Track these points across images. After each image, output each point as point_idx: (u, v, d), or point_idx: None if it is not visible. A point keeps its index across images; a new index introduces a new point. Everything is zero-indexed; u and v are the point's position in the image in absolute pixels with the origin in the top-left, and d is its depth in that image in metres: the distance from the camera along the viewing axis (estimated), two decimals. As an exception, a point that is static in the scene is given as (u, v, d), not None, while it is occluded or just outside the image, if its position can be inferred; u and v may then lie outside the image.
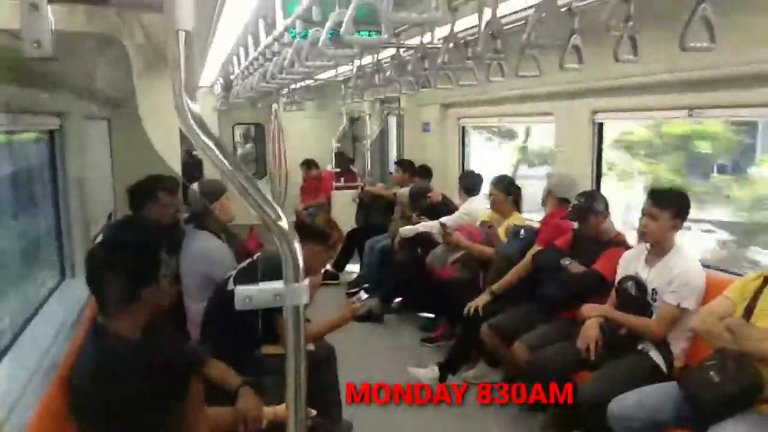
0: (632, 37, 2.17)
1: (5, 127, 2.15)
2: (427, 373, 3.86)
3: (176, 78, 0.88)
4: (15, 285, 2.38)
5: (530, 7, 2.35)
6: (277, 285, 0.93)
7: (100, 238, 3.05)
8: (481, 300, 3.75)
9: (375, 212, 6.28)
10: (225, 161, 0.91)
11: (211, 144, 0.90)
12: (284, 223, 0.94)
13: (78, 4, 1.60)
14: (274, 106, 4.36)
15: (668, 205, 2.77)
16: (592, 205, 3.27)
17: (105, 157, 3.98)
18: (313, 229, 2.84)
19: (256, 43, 3.18)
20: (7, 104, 2.01)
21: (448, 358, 3.91)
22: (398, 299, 5.36)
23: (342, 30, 1.65)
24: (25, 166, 2.67)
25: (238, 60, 3.93)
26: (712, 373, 2.28)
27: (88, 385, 1.72)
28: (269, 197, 0.94)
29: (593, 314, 2.93)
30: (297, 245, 0.95)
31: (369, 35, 2.64)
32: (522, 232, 3.90)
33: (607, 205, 3.32)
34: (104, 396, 1.62)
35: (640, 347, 2.83)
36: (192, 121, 0.89)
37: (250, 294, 0.93)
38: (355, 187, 7.05)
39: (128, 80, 3.37)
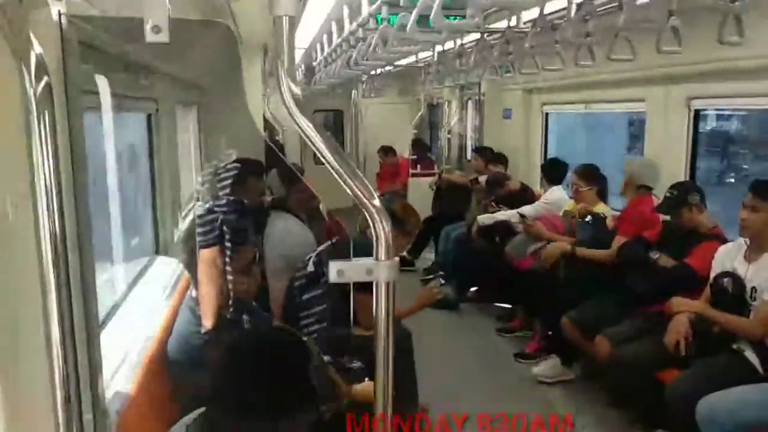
0: (738, 17, 2.03)
1: (109, 111, 2.29)
2: (547, 368, 3.78)
3: (280, 62, 0.91)
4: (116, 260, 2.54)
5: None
6: (369, 261, 0.95)
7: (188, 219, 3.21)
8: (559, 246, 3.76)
9: (451, 200, 6.24)
10: (323, 143, 0.93)
11: (310, 125, 0.93)
12: (377, 202, 0.96)
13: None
14: (354, 92, 4.40)
15: None
16: (686, 197, 3.11)
17: (193, 140, 4.17)
18: (390, 215, 2.86)
19: (340, 29, 3.22)
20: (112, 89, 2.14)
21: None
22: (474, 288, 5.32)
23: (432, 15, 1.64)
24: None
25: (321, 47, 4.00)
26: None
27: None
28: (366, 181, 0.96)
29: (683, 308, 2.79)
30: (388, 224, 0.97)
31: (453, 20, 2.62)
32: (589, 218, 3.77)
33: (703, 197, 3.14)
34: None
35: (734, 346, 2.68)
36: (294, 104, 0.92)
37: (342, 268, 0.95)
38: (432, 175, 7.03)
39: (219, 66, 3.50)
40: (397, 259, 0.98)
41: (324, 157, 0.94)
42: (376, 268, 0.95)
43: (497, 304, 4.98)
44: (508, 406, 3.44)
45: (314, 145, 0.94)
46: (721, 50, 2.23)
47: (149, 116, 2.94)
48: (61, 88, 0.90)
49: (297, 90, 0.91)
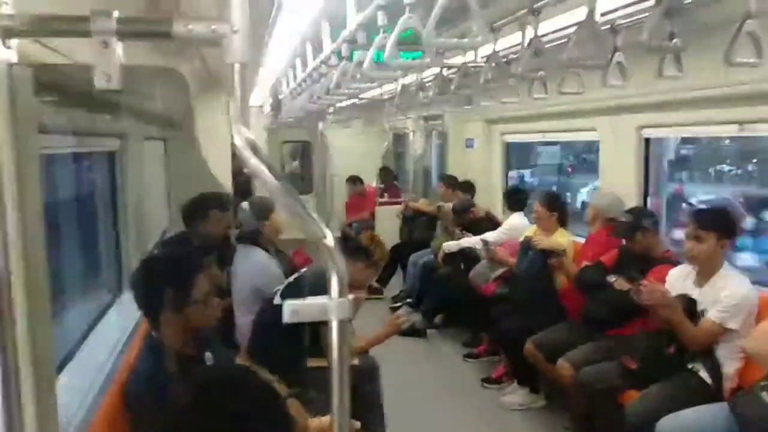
0: (677, 54, 2.17)
1: (71, 148, 2.30)
2: (516, 397, 3.83)
3: (232, 106, 0.95)
4: (76, 299, 2.51)
5: (573, 25, 2.37)
6: (323, 299, 0.98)
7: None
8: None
9: (418, 228, 6.32)
10: (275, 182, 0.97)
11: (262, 167, 0.97)
12: (329, 240, 1.00)
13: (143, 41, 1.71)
14: (321, 124, 4.46)
15: (713, 226, 2.71)
16: (640, 222, 3.22)
17: (160, 175, 4.16)
18: (357, 246, 2.92)
19: (304, 65, 3.29)
20: (73, 127, 2.15)
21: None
22: (441, 314, 5.37)
23: (386, 54, 1.71)
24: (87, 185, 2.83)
25: (287, 81, 4.07)
26: (764, 393, 2.22)
27: (142, 397, 1.81)
28: (315, 215, 1.00)
29: (656, 294, 2.76)
30: (342, 261, 1.01)
31: (414, 56, 2.71)
32: (530, 252, 3.83)
33: (656, 222, 3.26)
34: (156, 409, 1.69)
35: (690, 366, 2.77)
36: (245, 146, 0.96)
37: (297, 308, 0.98)
38: (399, 203, 7.11)
39: (184, 104, 3.53)
40: (352, 296, 1.02)
41: (278, 201, 0.98)
42: (330, 307, 0.99)
43: (464, 330, 5.02)
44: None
45: (268, 188, 0.97)
46: (666, 81, 2.36)
47: (112, 153, 2.95)
48: (7, 133, 0.92)
49: (249, 134, 0.95)
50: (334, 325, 0.99)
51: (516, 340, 3.68)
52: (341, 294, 1.00)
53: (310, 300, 0.99)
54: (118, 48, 1.07)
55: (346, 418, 1.04)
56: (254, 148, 0.98)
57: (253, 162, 0.97)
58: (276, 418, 1.24)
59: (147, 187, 3.47)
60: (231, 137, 0.95)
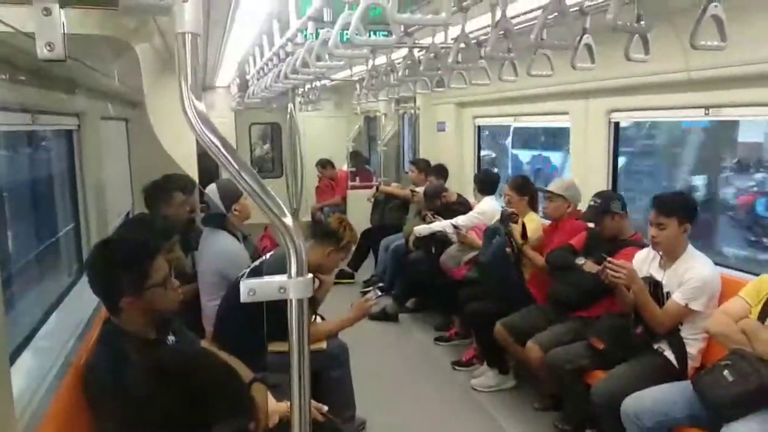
0: (643, 36, 2.16)
1: (25, 126, 2.20)
2: (486, 379, 3.84)
3: (182, 78, 0.90)
4: (33, 283, 2.43)
5: (540, 7, 2.35)
6: (282, 278, 0.95)
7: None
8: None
9: (390, 212, 6.28)
10: (230, 159, 0.93)
11: (216, 142, 0.92)
12: (288, 220, 0.96)
13: (91, 10, 1.64)
14: (290, 105, 4.38)
15: (673, 211, 2.75)
16: (608, 205, 3.25)
17: (123, 156, 4.05)
18: (326, 230, 2.88)
19: (271, 43, 3.21)
20: (26, 104, 2.06)
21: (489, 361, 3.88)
22: (413, 299, 5.37)
23: (350, 31, 1.66)
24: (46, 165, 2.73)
25: (254, 60, 3.97)
26: (726, 372, 2.26)
27: (101, 381, 1.76)
28: (277, 198, 0.96)
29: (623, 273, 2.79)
30: (301, 240, 0.97)
31: (384, 35, 2.66)
32: (497, 238, 3.79)
33: (624, 205, 3.29)
34: (116, 393, 1.64)
35: (655, 347, 2.81)
36: (198, 120, 0.91)
37: (254, 287, 0.95)
38: (371, 187, 7.06)
39: (148, 79, 3.42)
40: (310, 276, 0.99)
41: (233, 175, 0.94)
42: (288, 286, 0.95)
43: (436, 314, 5.04)
44: (446, 415, 3.50)
45: (222, 162, 0.93)
46: (634, 66, 2.36)
47: (70, 132, 2.84)
48: None
49: (201, 106, 0.91)
50: (293, 304, 0.96)
51: (485, 322, 3.70)
52: (299, 273, 0.97)
53: (268, 279, 0.96)
54: (61, 16, 1.02)
55: (306, 399, 1.02)
56: (207, 124, 0.93)
57: (206, 137, 0.92)
58: (236, 400, 1.20)
59: (108, 169, 3.36)
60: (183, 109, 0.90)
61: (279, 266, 0.98)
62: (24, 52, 1.52)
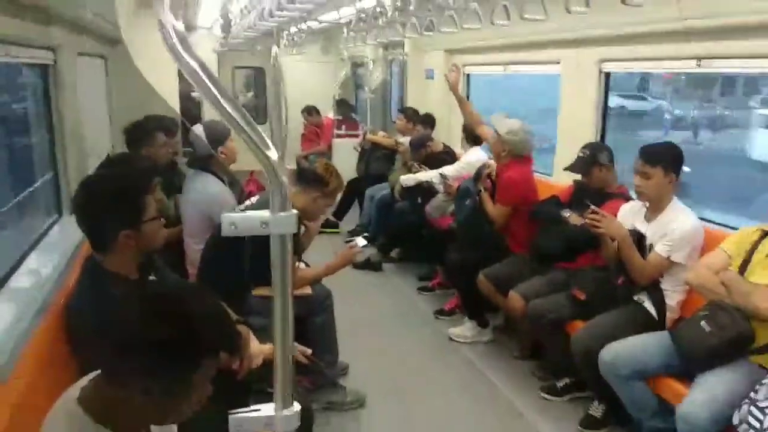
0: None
1: (-2, 58, 2.10)
2: (464, 330, 3.85)
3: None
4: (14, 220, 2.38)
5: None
6: (264, 213, 0.91)
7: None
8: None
9: (376, 161, 6.21)
10: (210, 85, 0.87)
11: (195, 66, 0.86)
12: (272, 153, 0.92)
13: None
14: (274, 48, 4.24)
15: (659, 161, 2.72)
16: (596, 157, 3.22)
17: (101, 96, 3.92)
18: (311, 175, 2.82)
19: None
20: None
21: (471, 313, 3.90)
22: (397, 248, 5.38)
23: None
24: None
25: (238, -1, 3.82)
26: (703, 323, 2.30)
27: (83, 318, 1.74)
28: (260, 130, 0.91)
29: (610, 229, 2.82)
30: (285, 175, 0.93)
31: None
32: (468, 200, 3.73)
33: (611, 158, 3.27)
34: (98, 331, 1.62)
35: (635, 298, 2.84)
36: (178, 43, 0.84)
37: (235, 220, 0.91)
38: (356, 136, 6.97)
39: (127, 15, 3.28)
40: (294, 211, 0.95)
41: (214, 105, 0.88)
42: (271, 221, 0.92)
43: (420, 264, 5.06)
44: (426, 362, 3.55)
45: (203, 91, 0.87)
46: (627, 14, 2.30)
47: (46, 67, 2.73)
48: None
49: (181, 27, 0.84)
50: (276, 240, 0.93)
51: (465, 274, 3.71)
52: (282, 208, 0.93)
53: (250, 213, 0.92)
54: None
55: (289, 336, 1.00)
56: (185, 43, 0.87)
57: (185, 60, 0.86)
58: (225, 334, 1.19)
59: (86, 108, 3.25)
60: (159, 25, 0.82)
61: (264, 207, 0.95)
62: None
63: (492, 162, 3.86)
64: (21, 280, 2.10)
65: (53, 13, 2.41)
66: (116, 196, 1.77)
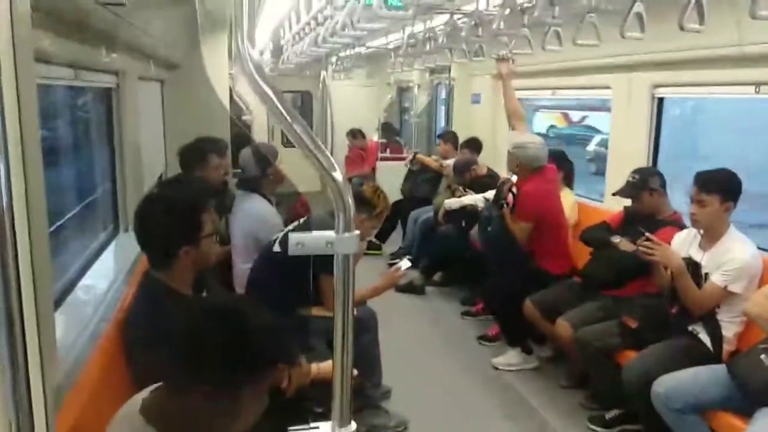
0: (699, 3, 2.07)
1: (66, 81, 2.21)
2: (508, 358, 3.79)
3: (239, 27, 0.88)
4: (71, 238, 2.48)
5: (593, -29, 2.27)
6: (329, 233, 0.94)
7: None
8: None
9: (422, 184, 6.24)
10: (282, 110, 0.91)
11: (269, 92, 0.90)
12: (338, 175, 0.94)
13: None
14: (323, 73, 4.34)
15: (716, 189, 2.66)
16: (647, 182, 3.17)
17: (157, 118, 4.07)
18: (359, 198, 2.85)
19: (308, 7, 3.17)
20: (69, 59, 2.07)
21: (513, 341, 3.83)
22: (440, 272, 5.35)
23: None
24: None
25: (290, 24, 3.94)
26: (763, 356, 2.21)
27: (141, 332, 1.79)
28: (327, 152, 0.94)
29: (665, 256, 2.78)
30: (350, 196, 0.96)
31: None
32: (489, 228, 3.73)
33: (663, 183, 3.20)
34: (157, 345, 1.67)
35: (690, 328, 2.76)
36: (254, 71, 0.89)
37: (302, 240, 0.94)
38: (401, 159, 7.01)
39: (184, 42, 3.42)
40: (357, 232, 0.97)
41: (286, 129, 0.92)
42: (336, 241, 0.94)
43: (463, 288, 5.02)
44: (469, 388, 3.50)
45: (276, 115, 0.91)
46: (682, 39, 2.26)
47: (110, 90, 2.86)
48: (10, 60, 0.85)
49: (256, 53, 0.88)
50: (339, 260, 0.95)
51: (502, 301, 3.67)
52: (347, 229, 0.95)
53: (316, 233, 0.95)
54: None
55: (348, 354, 1.01)
56: (262, 73, 0.91)
57: (260, 86, 0.90)
58: (278, 350, 1.22)
59: (143, 130, 3.38)
60: (232, 81, 0.87)
61: (318, 227, 0.97)
62: (73, 6, 1.51)
63: (513, 178, 3.83)
64: (84, 293, 2.18)
65: (119, 39, 2.54)
66: (177, 212, 1.84)
